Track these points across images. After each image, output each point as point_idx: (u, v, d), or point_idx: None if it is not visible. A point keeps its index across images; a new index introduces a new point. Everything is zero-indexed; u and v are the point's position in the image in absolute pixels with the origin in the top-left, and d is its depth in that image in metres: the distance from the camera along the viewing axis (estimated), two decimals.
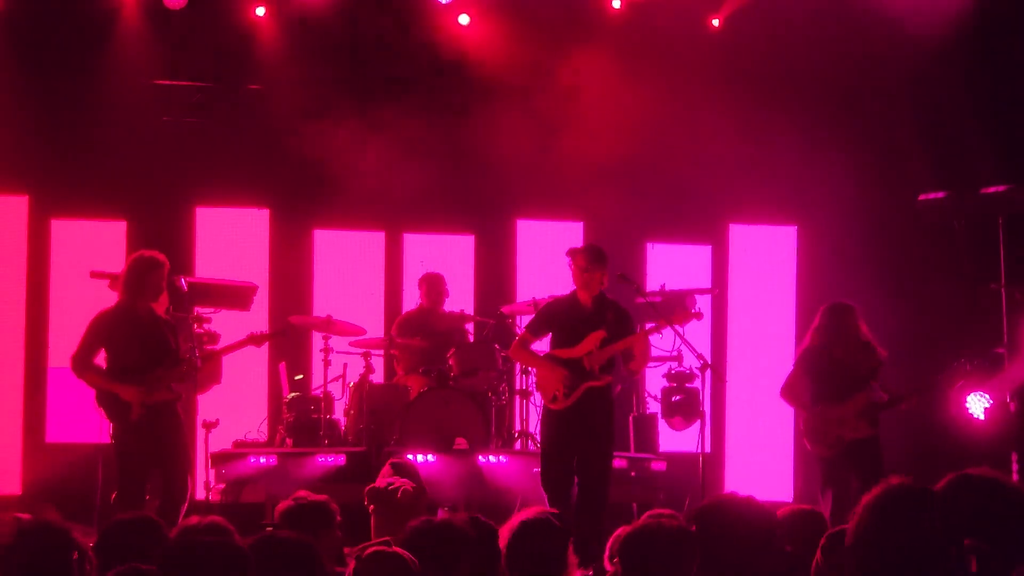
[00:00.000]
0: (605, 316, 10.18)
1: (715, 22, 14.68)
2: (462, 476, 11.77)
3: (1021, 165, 13.73)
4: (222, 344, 11.20)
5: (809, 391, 11.03)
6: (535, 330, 10.44)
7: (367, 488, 9.86)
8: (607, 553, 6.62)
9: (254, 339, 10.71)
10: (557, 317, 10.36)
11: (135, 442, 9.92)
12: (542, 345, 10.64)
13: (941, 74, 14.03)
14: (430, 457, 11.71)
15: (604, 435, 10.20)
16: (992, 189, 13.40)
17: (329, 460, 11.94)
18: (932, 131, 14.11)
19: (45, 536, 5.15)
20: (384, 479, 9.93)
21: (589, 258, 10.20)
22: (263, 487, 11.86)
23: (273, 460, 12.00)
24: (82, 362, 10.07)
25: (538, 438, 12.05)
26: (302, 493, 6.41)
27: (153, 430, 9.95)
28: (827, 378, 10.90)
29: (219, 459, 11.99)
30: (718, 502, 4.99)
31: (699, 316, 10.58)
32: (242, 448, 12.43)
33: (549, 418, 10.25)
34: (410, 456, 11.36)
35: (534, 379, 11.17)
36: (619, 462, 12.43)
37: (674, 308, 10.73)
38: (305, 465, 11.94)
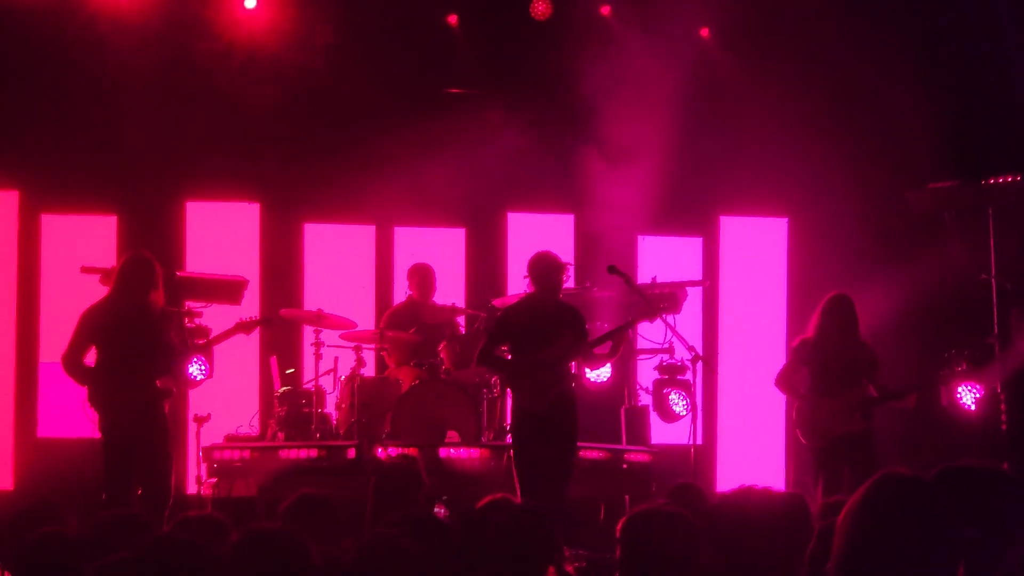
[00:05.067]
0: (564, 318, 10.50)
1: (703, 32, 14.78)
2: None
3: (1014, 156, 13.76)
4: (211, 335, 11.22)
5: (803, 381, 11.06)
6: (498, 339, 10.69)
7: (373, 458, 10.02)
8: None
9: (242, 326, 10.76)
10: (517, 322, 10.60)
11: (122, 441, 9.95)
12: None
13: (930, 61, 14.04)
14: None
15: (572, 434, 10.58)
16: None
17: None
18: (925, 121, 14.11)
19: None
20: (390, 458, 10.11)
21: (531, 275, 10.57)
22: (256, 482, 11.84)
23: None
24: (72, 361, 10.09)
25: None
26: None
27: (139, 430, 9.96)
28: (822, 370, 10.93)
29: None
30: (641, 515, 5.04)
31: (665, 310, 11.09)
32: (250, 443, 12.41)
33: (524, 420, 10.51)
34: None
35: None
36: (611, 455, 12.47)
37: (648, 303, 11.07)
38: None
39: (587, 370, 13.22)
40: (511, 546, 5.49)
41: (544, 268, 10.49)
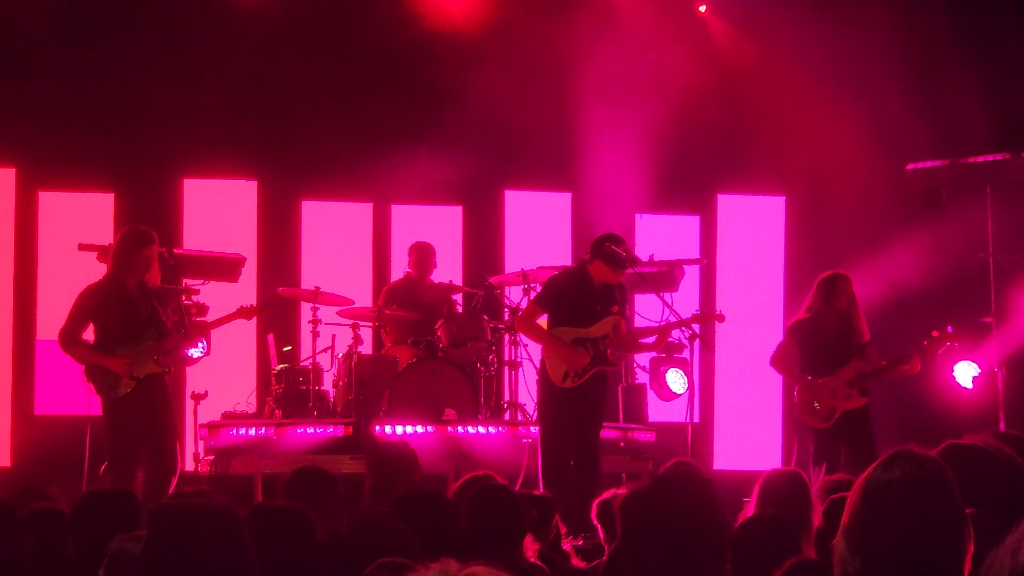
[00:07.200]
0: (614, 295, 10.43)
1: (702, 8, 14.76)
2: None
3: (1014, 134, 13.75)
4: (211, 317, 11.18)
5: (799, 361, 11.05)
6: (542, 306, 10.62)
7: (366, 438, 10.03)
8: (593, 514, 6.84)
9: (243, 312, 10.73)
10: (567, 292, 10.50)
11: (125, 416, 9.92)
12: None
13: (933, 40, 14.02)
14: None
15: (602, 413, 10.58)
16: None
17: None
18: (922, 99, 14.10)
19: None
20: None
21: (593, 251, 10.41)
22: (253, 460, 11.84)
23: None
24: (69, 337, 10.06)
25: (527, 408, 12.11)
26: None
27: (142, 404, 9.95)
28: (818, 349, 10.91)
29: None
30: (653, 483, 5.05)
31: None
32: (245, 420, 12.39)
33: (553, 394, 10.40)
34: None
35: (539, 353, 10.99)
36: (609, 433, 12.47)
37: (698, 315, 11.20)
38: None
39: None
40: (480, 522, 5.54)
41: (606, 256, 10.33)
